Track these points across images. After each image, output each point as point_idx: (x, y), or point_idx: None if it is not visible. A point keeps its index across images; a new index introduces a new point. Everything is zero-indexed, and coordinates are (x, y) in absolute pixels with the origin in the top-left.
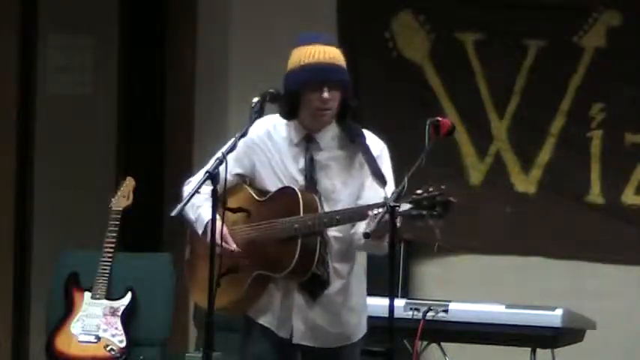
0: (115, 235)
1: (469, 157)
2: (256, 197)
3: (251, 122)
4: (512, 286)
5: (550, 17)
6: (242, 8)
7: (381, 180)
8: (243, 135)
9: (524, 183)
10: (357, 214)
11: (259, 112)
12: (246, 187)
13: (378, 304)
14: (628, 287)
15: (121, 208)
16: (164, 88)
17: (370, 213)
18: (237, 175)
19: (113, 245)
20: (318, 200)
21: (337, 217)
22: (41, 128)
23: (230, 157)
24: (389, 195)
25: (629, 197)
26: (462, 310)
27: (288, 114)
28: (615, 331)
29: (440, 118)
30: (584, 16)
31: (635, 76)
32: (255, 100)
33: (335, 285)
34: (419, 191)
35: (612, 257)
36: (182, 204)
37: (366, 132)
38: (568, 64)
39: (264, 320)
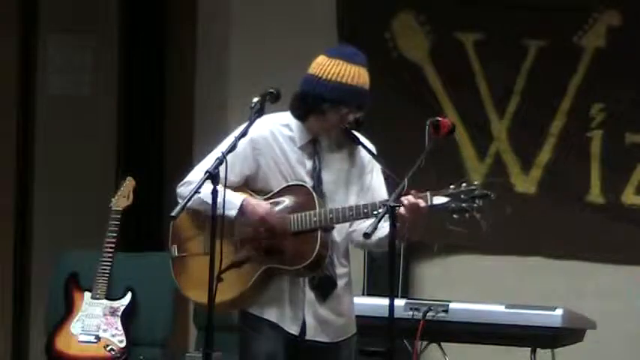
0: (115, 235)
1: (469, 157)
2: (257, 196)
3: (251, 122)
4: (512, 286)
5: (550, 17)
6: (242, 8)
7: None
8: (243, 135)
9: (524, 183)
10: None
11: (259, 112)
12: (245, 188)
13: (378, 304)
14: (628, 287)
15: (121, 208)
16: (164, 88)
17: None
18: (245, 175)
19: (113, 245)
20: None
21: (365, 210)
22: (41, 128)
23: (236, 159)
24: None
25: (629, 197)
26: (462, 310)
27: (300, 116)
28: (615, 331)
29: (440, 118)
30: (584, 16)
31: (635, 76)
32: (255, 100)
33: (340, 282)
34: (453, 186)
35: (612, 257)
36: (182, 204)
37: (357, 133)
38: (568, 64)
39: (272, 316)
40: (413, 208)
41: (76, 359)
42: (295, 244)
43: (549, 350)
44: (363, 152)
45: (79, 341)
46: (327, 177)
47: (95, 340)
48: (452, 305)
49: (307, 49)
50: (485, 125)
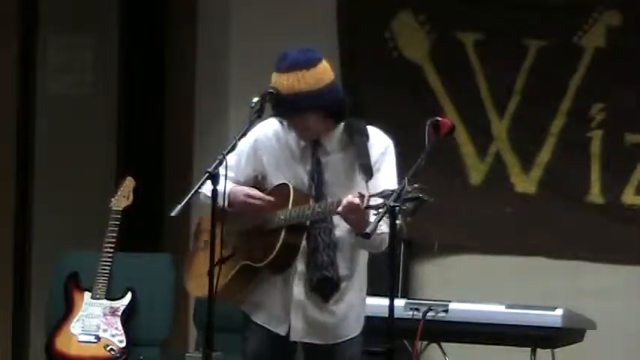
0: (115, 235)
1: (469, 157)
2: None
3: (251, 123)
4: (512, 286)
5: (550, 17)
6: (242, 8)
7: (367, 172)
8: (243, 135)
9: (524, 183)
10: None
11: (259, 112)
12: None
13: (378, 304)
14: (628, 287)
15: (121, 208)
16: (164, 88)
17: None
18: (251, 176)
19: (113, 245)
20: (312, 198)
21: (318, 210)
22: (41, 128)
23: (242, 159)
24: (380, 189)
25: (629, 197)
26: (462, 310)
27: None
28: (615, 331)
29: (440, 118)
30: (584, 16)
31: (635, 76)
32: (255, 100)
33: (344, 284)
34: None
35: (612, 257)
36: (181, 204)
37: (372, 129)
38: (568, 64)
39: (258, 318)
40: (350, 207)
41: (76, 359)
42: (263, 242)
43: (549, 350)
44: (371, 151)
45: (79, 341)
46: (329, 178)
47: (95, 340)
48: (452, 305)
49: None
50: (486, 125)
